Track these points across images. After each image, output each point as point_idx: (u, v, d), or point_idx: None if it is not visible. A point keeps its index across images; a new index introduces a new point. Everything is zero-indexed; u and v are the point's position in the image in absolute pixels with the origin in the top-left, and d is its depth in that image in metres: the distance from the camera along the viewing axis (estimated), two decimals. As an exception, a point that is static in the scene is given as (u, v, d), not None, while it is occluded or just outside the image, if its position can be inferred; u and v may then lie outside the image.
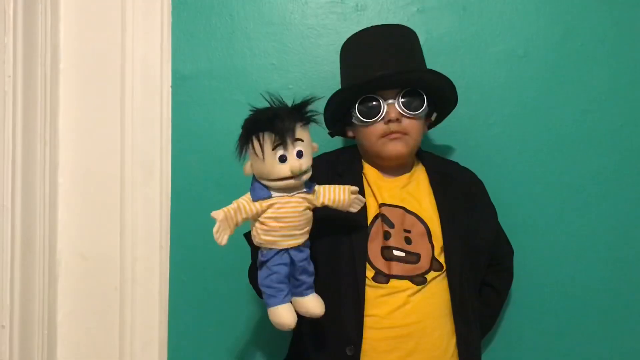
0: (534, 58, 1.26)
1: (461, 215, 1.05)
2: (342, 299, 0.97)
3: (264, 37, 1.28)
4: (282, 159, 0.84)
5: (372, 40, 1.04)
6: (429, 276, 0.99)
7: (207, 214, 1.26)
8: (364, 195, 1.01)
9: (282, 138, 0.83)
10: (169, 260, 1.28)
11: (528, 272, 1.24)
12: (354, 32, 1.07)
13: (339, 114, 1.06)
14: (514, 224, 1.20)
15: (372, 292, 0.97)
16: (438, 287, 0.99)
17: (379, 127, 1.01)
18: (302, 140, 0.85)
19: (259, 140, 0.84)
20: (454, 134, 1.25)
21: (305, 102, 0.87)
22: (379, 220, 1.01)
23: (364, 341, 0.95)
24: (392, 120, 0.99)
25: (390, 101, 1.00)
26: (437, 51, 1.25)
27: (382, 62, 1.00)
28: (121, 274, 1.28)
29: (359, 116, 1.02)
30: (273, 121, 0.83)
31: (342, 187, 0.93)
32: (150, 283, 1.28)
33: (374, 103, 1.00)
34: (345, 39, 1.08)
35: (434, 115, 1.09)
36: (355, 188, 0.95)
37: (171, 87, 1.28)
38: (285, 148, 0.83)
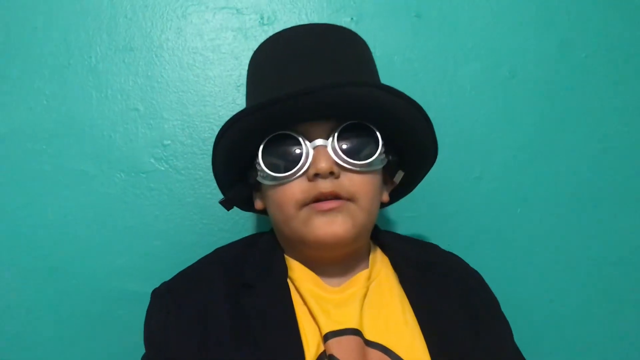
0: (526, 78, 0.91)
1: (463, 336, 0.61)
2: None
3: (121, 70, 0.85)
4: None
5: (288, 45, 0.63)
6: None
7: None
8: (295, 324, 0.58)
9: None
10: None
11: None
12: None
13: (237, 169, 0.64)
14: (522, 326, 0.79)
15: None
16: None
17: (299, 188, 0.59)
18: None
19: None
20: (424, 198, 0.84)
21: None
22: None
23: None
24: (322, 174, 0.57)
25: (318, 143, 0.59)
26: (385, 75, 0.86)
27: (302, 74, 0.59)
28: None
29: (265, 169, 0.60)
30: None
31: None
32: None
33: (292, 147, 0.59)
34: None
35: (399, 174, 0.66)
36: None
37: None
38: None
